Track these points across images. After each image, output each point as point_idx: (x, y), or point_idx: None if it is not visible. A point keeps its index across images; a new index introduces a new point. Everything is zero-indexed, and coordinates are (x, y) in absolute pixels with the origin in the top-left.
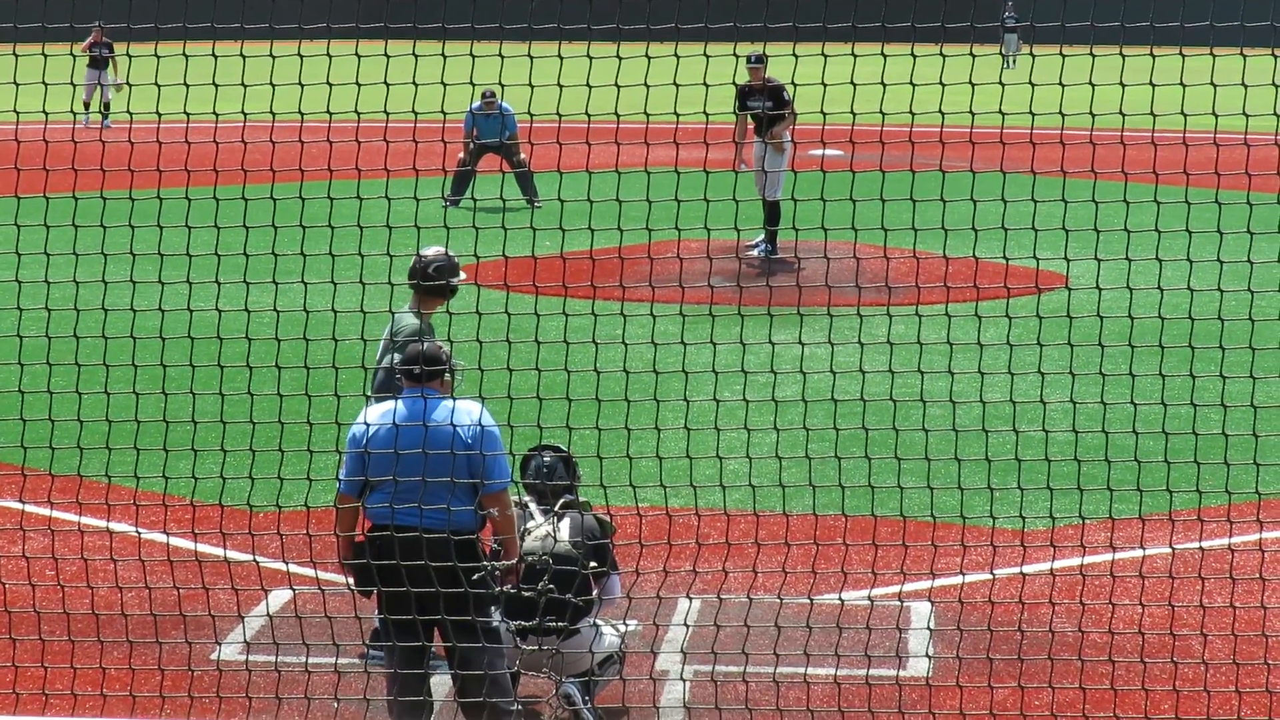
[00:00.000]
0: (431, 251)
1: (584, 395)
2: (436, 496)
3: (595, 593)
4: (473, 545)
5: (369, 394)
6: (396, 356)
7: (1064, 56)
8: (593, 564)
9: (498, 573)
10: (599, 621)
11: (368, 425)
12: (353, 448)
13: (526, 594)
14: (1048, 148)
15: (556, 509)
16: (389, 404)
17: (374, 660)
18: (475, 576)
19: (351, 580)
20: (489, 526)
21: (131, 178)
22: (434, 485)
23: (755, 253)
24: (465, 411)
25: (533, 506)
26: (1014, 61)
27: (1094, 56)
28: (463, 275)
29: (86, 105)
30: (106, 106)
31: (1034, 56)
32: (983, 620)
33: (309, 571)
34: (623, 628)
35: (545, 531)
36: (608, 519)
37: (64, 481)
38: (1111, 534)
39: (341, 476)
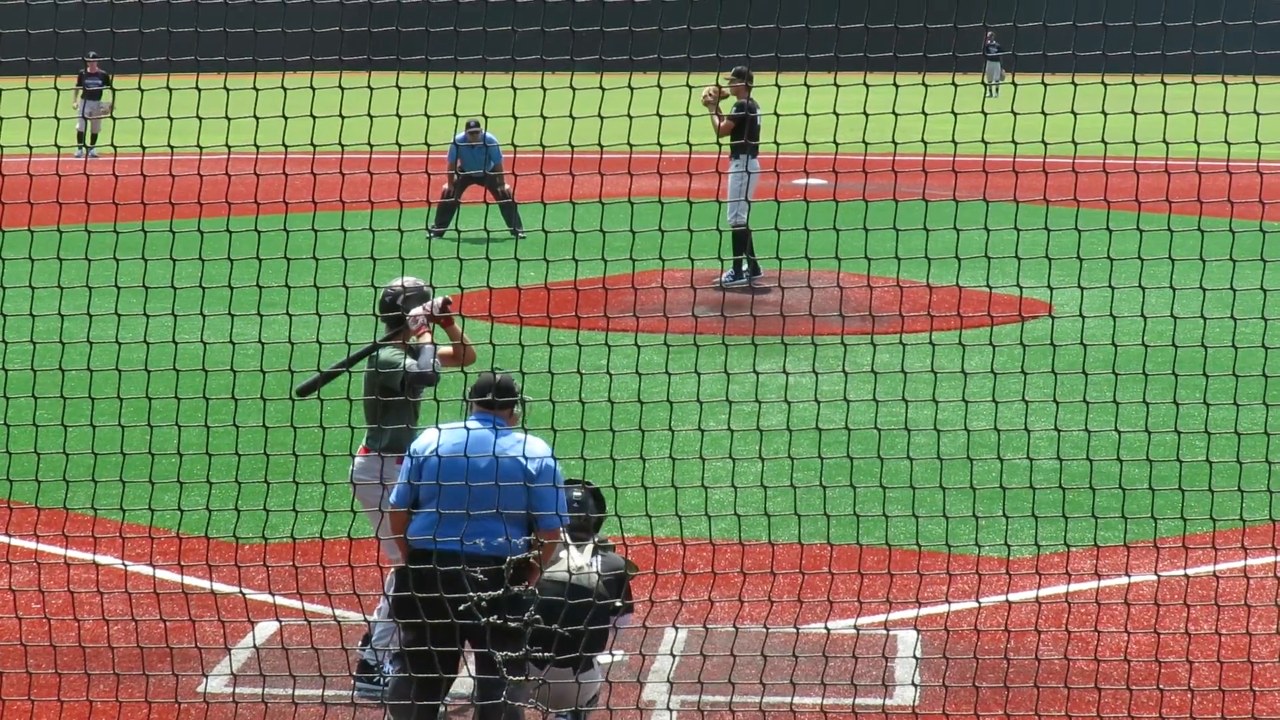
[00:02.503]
0: (396, 284)
1: (569, 426)
2: (491, 524)
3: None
4: (515, 571)
5: (353, 425)
6: (380, 386)
7: (1046, 85)
8: (616, 602)
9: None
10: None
11: (433, 443)
12: (410, 461)
13: (549, 626)
14: (1030, 176)
15: (591, 546)
16: (457, 426)
17: (361, 693)
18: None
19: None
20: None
21: (116, 211)
22: (490, 512)
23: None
24: (522, 440)
25: (565, 539)
26: (997, 90)
27: (1075, 85)
28: (417, 310)
29: (80, 137)
30: (94, 138)
31: (1016, 85)
32: (969, 648)
33: (295, 603)
34: (606, 659)
35: (579, 563)
36: (631, 560)
37: (50, 515)
38: (1097, 561)
39: (399, 484)
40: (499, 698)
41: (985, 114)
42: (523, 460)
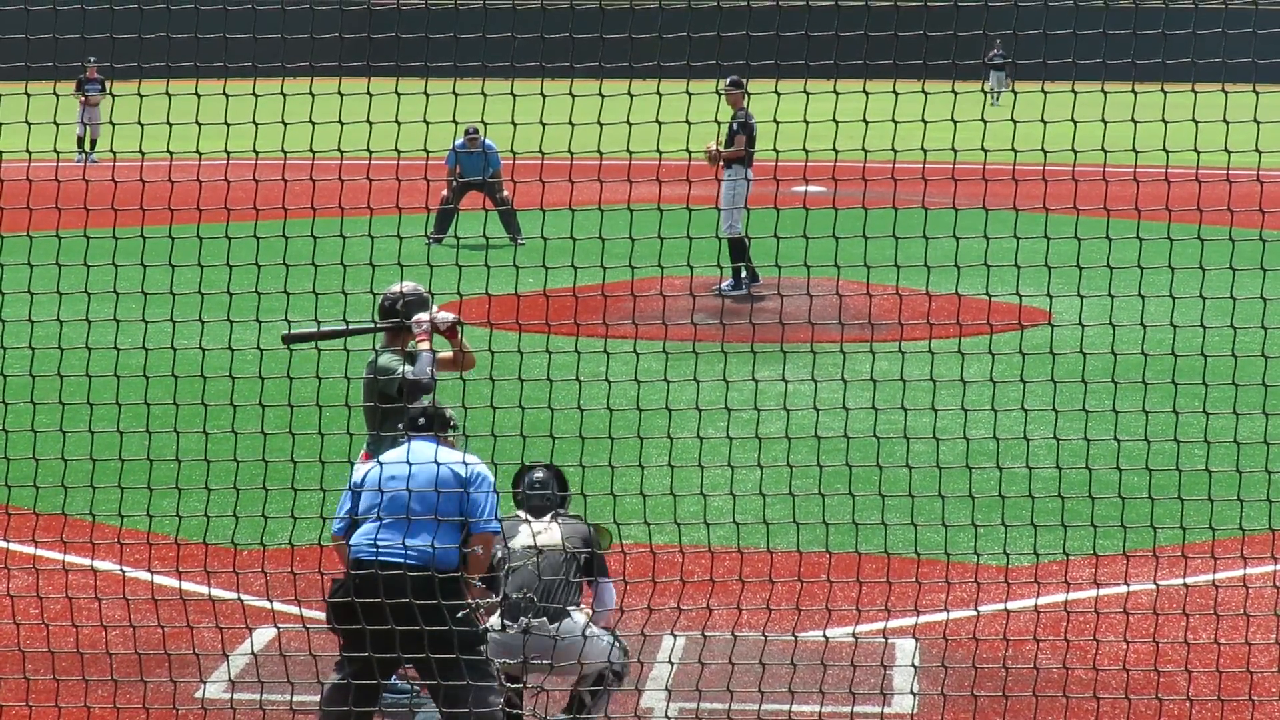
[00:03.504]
0: (396, 287)
1: (567, 433)
2: (421, 533)
3: (589, 599)
4: (456, 583)
5: (351, 431)
6: (379, 393)
7: (1045, 93)
8: (584, 557)
9: (481, 610)
10: (596, 631)
11: (374, 470)
12: (351, 488)
13: (513, 596)
14: (1030, 184)
15: (549, 516)
16: (390, 452)
17: (390, 702)
18: (460, 614)
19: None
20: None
21: (115, 216)
22: (419, 521)
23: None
24: (459, 454)
25: (527, 516)
26: (998, 98)
27: (1076, 93)
28: (423, 316)
29: (80, 142)
30: (94, 143)
31: (1015, 93)
32: (967, 657)
33: (293, 609)
34: (623, 640)
35: (538, 529)
36: (606, 529)
37: (48, 520)
38: (1096, 570)
39: (336, 517)
40: (468, 705)
41: (985, 122)
42: (455, 468)
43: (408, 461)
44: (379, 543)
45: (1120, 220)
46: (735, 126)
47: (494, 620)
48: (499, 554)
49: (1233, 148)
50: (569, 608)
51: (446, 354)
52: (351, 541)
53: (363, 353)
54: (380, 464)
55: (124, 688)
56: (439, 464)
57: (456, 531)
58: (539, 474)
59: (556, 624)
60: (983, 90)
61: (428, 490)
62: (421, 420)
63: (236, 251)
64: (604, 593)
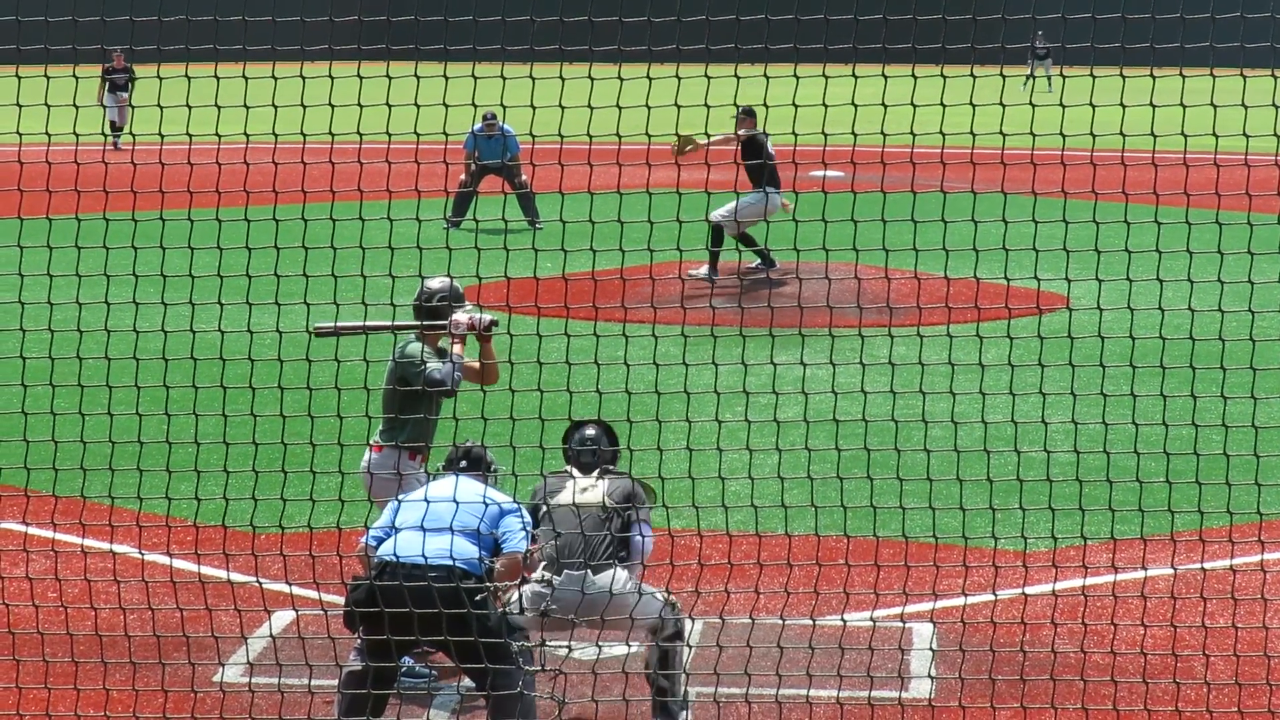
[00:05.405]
0: (435, 282)
1: (586, 416)
2: (446, 537)
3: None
4: (478, 577)
5: (370, 414)
6: (399, 378)
7: (1065, 78)
8: (627, 513)
9: (500, 593)
10: (648, 589)
11: (417, 492)
12: (389, 514)
13: (555, 550)
14: (1048, 168)
15: (596, 472)
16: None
17: (407, 685)
18: (479, 597)
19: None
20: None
21: (134, 199)
22: (445, 529)
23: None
24: (497, 491)
25: (575, 472)
26: (1024, 84)
27: (1094, 78)
28: (460, 318)
29: (114, 126)
30: (120, 129)
31: (1034, 78)
32: (985, 641)
33: (312, 593)
34: (670, 597)
35: (583, 485)
36: (652, 487)
37: (67, 503)
38: (1113, 555)
39: (372, 533)
40: (514, 687)
41: (1003, 105)
42: (497, 497)
43: (456, 479)
44: (401, 543)
45: (1138, 205)
46: (746, 150)
47: (537, 573)
48: (539, 548)
49: (1251, 132)
50: (612, 561)
51: (473, 363)
52: (379, 550)
53: (384, 336)
54: (426, 487)
55: (142, 670)
56: (479, 493)
57: (485, 544)
58: (590, 430)
59: (601, 575)
60: (1001, 74)
61: (462, 509)
62: (464, 463)
63: (255, 235)
64: (641, 542)
